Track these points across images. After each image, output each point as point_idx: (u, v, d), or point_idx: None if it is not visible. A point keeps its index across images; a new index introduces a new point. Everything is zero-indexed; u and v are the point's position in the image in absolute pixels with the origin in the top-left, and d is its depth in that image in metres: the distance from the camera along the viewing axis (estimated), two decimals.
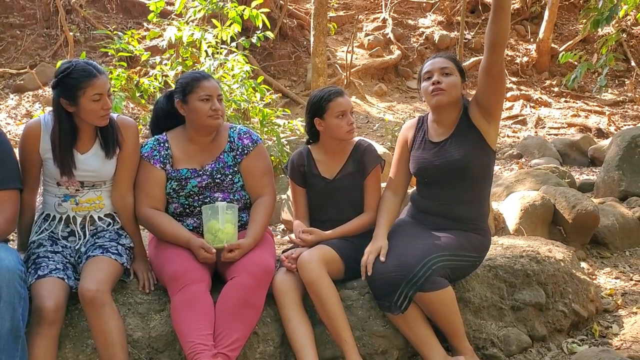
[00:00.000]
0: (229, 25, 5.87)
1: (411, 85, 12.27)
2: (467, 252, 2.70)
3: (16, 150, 2.66)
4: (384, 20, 13.65)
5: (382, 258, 2.65)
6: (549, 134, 10.19)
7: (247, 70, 5.94)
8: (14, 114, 9.06)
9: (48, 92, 9.46)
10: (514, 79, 12.47)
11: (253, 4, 5.86)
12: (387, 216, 2.87)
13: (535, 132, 10.38)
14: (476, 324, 2.85)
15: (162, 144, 2.83)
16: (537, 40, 12.94)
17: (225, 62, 5.94)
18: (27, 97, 9.52)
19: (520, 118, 11.04)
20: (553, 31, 12.89)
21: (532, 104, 11.70)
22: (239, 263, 2.61)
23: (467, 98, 2.88)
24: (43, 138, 2.65)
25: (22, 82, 9.80)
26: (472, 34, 13.48)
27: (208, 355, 2.33)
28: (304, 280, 2.62)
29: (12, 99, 9.50)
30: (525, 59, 13.02)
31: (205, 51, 5.84)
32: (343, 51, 12.39)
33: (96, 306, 2.38)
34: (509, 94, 11.97)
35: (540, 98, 11.95)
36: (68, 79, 2.55)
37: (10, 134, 8.06)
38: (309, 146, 3.05)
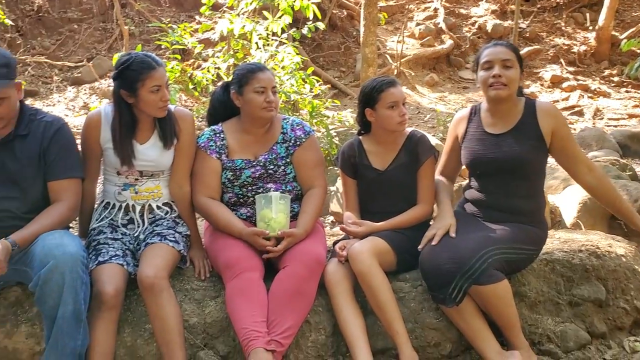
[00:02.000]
0: (280, 17, 5.89)
1: (463, 75, 12.06)
2: (523, 245, 2.64)
3: (77, 141, 2.74)
4: (436, 10, 13.45)
5: (452, 234, 2.65)
6: (608, 125, 9.85)
7: (297, 62, 5.96)
8: (72, 105, 9.34)
9: (104, 84, 9.72)
10: (570, 69, 12.09)
11: None
12: (448, 196, 2.90)
13: (593, 123, 10.05)
14: (532, 319, 2.79)
15: (217, 135, 2.87)
16: (597, 28, 12.50)
17: (276, 54, 5.97)
18: (84, 90, 9.80)
19: (577, 109, 10.71)
20: (614, 18, 12.43)
21: (589, 95, 11.32)
22: (291, 252, 2.63)
23: (528, 96, 2.81)
24: (104, 128, 2.73)
25: (79, 74, 10.09)
26: (526, 22, 13.13)
27: (262, 342, 2.36)
28: (355, 271, 2.62)
29: (70, 91, 9.80)
30: (583, 47, 12.60)
31: (256, 43, 5.88)
32: (393, 41, 12.26)
33: (154, 292, 2.45)
34: (565, 84, 11.64)
35: (599, 88, 11.55)
36: (128, 70, 2.61)
37: (68, 125, 8.32)
38: (360, 137, 3.03)
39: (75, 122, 8.37)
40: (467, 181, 2.97)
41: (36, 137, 2.55)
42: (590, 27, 13.05)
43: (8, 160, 2.52)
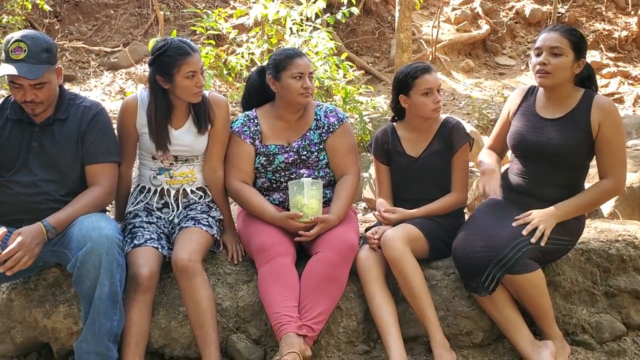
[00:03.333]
0: (314, 2, 5.87)
1: (500, 61, 11.85)
2: (559, 235, 2.59)
3: (114, 125, 2.79)
4: None
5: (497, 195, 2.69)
6: None
7: (330, 47, 5.93)
8: (109, 90, 9.47)
9: (140, 69, 9.83)
10: (611, 55, 11.76)
11: None
12: (493, 156, 2.89)
13: (634, 111, 9.80)
14: (566, 309, 2.76)
15: (251, 120, 2.89)
16: (639, 13, 12.13)
17: (310, 39, 5.96)
18: (121, 75, 9.92)
19: (617, 96, 10.44)
20: None
21: (630, 81, 11.02)
22: (324, 238, 2.64)
23: (590, 90, 2.68)
24: (140, 113, 2.77)
25: (115, 59, 10.22)
26: (565, 7, 12.81)
27: (294, 327, 2.38)
28: (388, 257, 2.62)
29: (107, 76, 9.93)
30: (624, 33, 12.24)
31: (290, 28, 5.87)
32: (428, 26, 12.09)
33: (188, 275, 2.49)
34: (604, 71, 11.35)
35: None
36: (164, 56, 2.63)
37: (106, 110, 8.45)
38: (394, 123, 3.01)
39: (112, 106, 8.49)
40: (508, 165, 2.91)
41: (75, 121, 2.60)
42: (632, 12, 12.65)
43: (47, 144, 2.57)
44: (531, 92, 2.82)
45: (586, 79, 2.71)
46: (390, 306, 2.61)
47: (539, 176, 2.69)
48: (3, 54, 2.46)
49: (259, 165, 2.85)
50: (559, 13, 12.11)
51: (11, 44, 2.43)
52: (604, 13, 12.81)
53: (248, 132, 2.86)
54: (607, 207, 4.18)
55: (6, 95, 2.68)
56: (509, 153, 2.93)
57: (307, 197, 2.67)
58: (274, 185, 2.87)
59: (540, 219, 2.55)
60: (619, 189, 2.70)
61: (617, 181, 2.64)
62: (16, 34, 2.49)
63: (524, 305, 2.56)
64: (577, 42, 2.62)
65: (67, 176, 2.59)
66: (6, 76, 2.43)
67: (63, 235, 2.46)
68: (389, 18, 12.08)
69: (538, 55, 2.63)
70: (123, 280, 2.43)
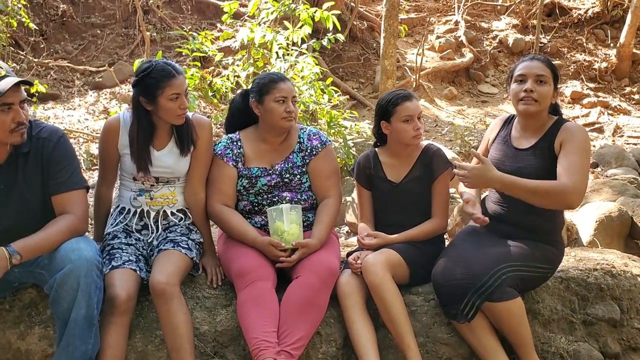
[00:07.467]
0: (300, 27, 5.92)
1: (482, 89, 12.01)
2: (538, 263, 2.61)
3: (96, 146, 2.76)
4: (457, 23, 13.41)
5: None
6: (628, 143, 9.75)
7: (316, 72, 5.98)
8: (92, 110, 9.43)
9: (125, 89, 9.81)
10: (591, 85, 11.99)
11: (324, 6, 5.90)
12: None
13: (613, 140, 9.96)
14: (545, 337, 2.76)
15: (235, 143, 2.89)
16: (618, 45, 12.39)
17: (296, 64, 6.00)
18: (105, 94, 9.89)
19: (596, 126, 10.61)
20: (635, 36, 12.31)
21: (609, 112, 11.21)
22: (305, 263, 2.63)
23: (562, 115, 2.76)
24: (122, 134, 2.75)
25: (100, 79, 10.19)
26: (548, 37, 13.07)
27: (272, 353, 2.35)
28: (368, 283, 2.62)
29: (91, 95, 9.89)
30: (604, 64, 12.49)
31: (276, 52, 5.91)
32: (413, 54, 12.24)
33: (166, 298, 2.46)
34: (585, 100, 11.56)
35: (619, 105, 11.44)
36: (148, 78, 2.63)
37: (87, 129, 8.41)
38: (376, 149, 3.04)
39: (95, 126, 8.45)
40: (487, 193, 2.94)
41: (36, 155, 2.47)
42: (612, 44, 12.95)
43: (17, 181, 2.45)
44: (509, 121, 2.86)
45: (552, 111, 2.77)
46: (370, 332, 2.60)
47: (516, 205, 2.69)
48: None
49: (241, 188, 2.85)
50: (541, 43, 12.34)
51: None
52: (584, 44, 13.08)
53: (231, 155, 2.86)
54: (586, 236, 4.22)
55: None
56: None
57: (286, 223, 2.66)
58: (256, 208, 2.87)
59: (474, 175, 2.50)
60: (571, 194, 2.49)
61: (573, 187, 2.48)
62: None
63: (503, 333, 2.56)
64: (556, 73, 2.70)
65: (40, 216, 2.46)
66: None
67: (40, 256, 2.41)
68: (374, 45, 12.22)
69: (521, 82, 2.67)
70: (100, 303, 2.38)
